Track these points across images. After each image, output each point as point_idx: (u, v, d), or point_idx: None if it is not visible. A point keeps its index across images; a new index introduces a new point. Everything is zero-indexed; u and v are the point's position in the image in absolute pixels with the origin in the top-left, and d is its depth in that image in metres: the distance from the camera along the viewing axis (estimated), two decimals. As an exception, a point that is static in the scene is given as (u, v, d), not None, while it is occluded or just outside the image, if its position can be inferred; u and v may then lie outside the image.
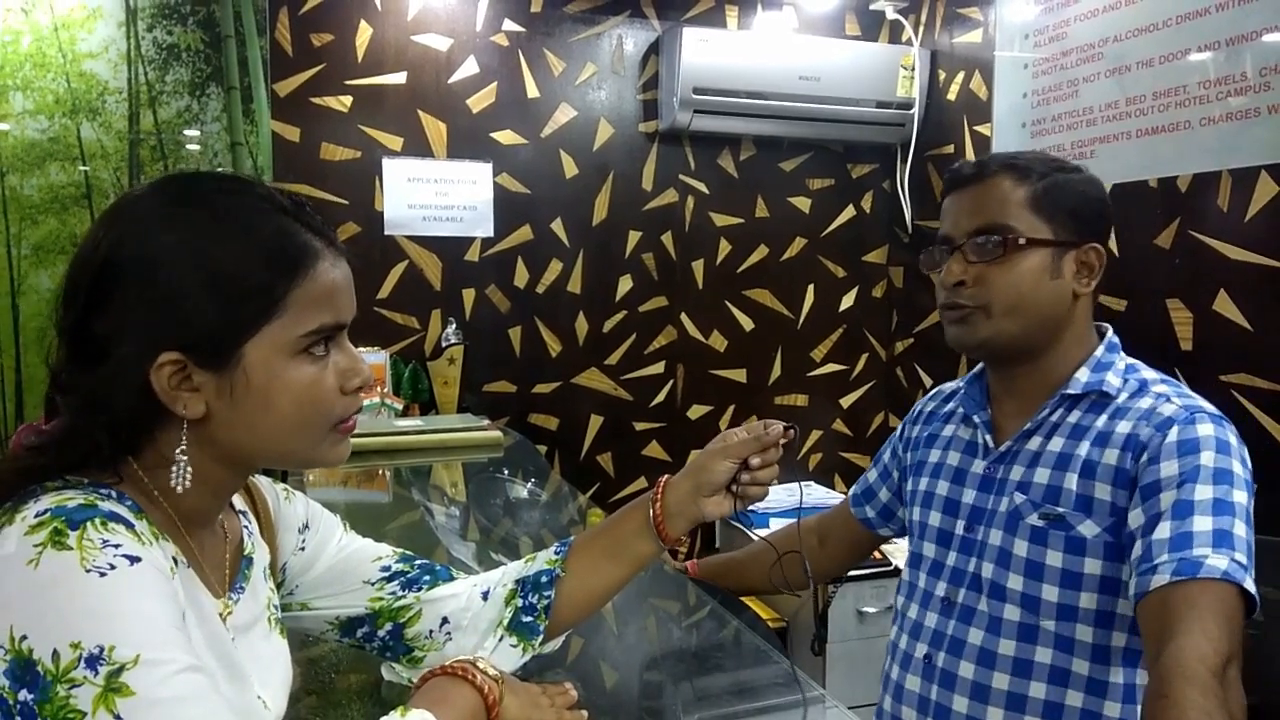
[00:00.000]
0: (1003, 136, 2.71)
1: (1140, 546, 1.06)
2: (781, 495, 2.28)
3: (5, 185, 2.42)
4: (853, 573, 2.44)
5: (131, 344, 0.72)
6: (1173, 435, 1.11)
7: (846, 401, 3.31)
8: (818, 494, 2.95)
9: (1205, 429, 1.11)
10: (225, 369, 0.74)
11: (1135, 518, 1.10)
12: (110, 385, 0.72)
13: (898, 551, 2.56)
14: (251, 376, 0.75)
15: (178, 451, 0.75)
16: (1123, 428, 1.17)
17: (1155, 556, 1.03)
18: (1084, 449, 1.19)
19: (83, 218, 2.47)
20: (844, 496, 3.07)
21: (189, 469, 0.76)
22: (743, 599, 2.48)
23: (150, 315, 0.73)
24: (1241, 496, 1.07)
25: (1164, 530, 1.04)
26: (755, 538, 1.48)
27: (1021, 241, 1.20)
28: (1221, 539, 1.01)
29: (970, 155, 2.87)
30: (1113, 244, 1.26)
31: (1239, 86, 2.02)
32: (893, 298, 3.30)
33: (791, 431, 1.05)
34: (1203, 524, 1.03)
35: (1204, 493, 1.06)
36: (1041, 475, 1.22)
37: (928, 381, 3.13)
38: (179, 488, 0.75)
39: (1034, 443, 1.25)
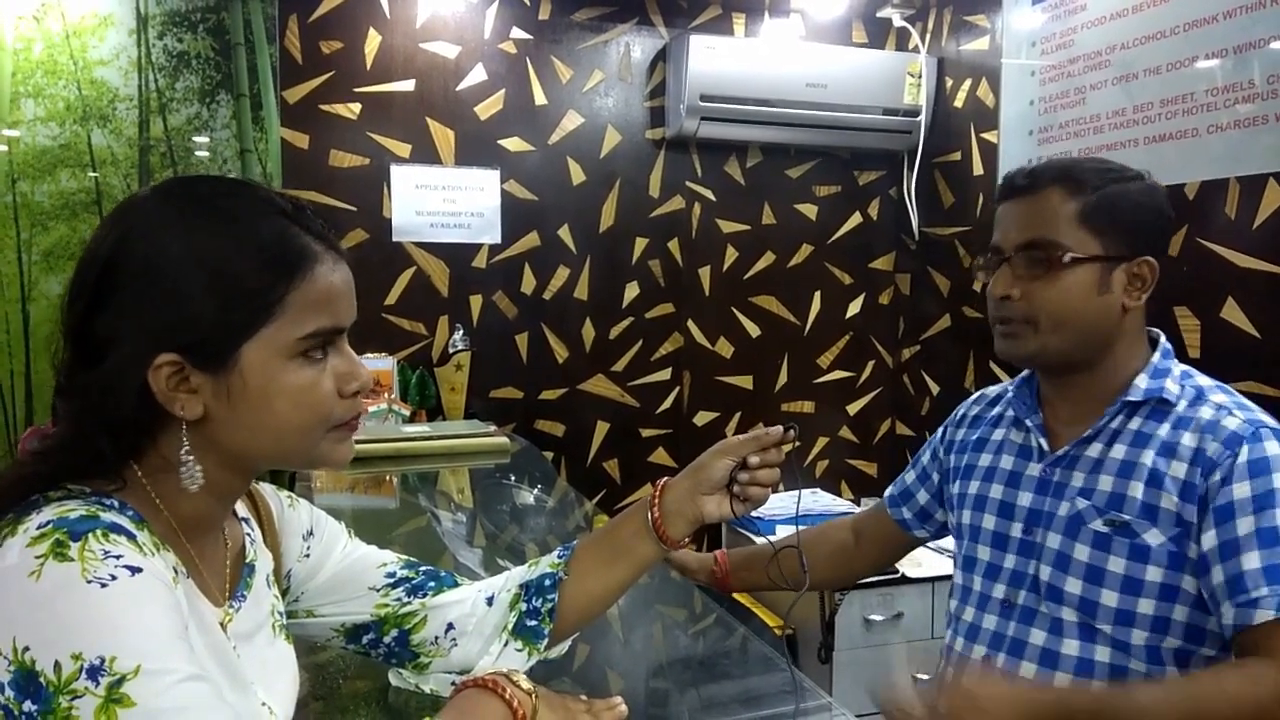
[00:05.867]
0: (1010, 144, 2.71)
1: (1224, 572, 1.10)
2: (787, 502, 2.28)
3: (16, 191, 2.44)
4: (859, 580, 2.43)
5: (130, 345, 0.73)
6: (1243, 455, 1.13)
7: (853, 408, 3.30)
8: (824, 501, 2.94)
9: (1273, 447, 1.13)
10: (223, 371, 0.74)
11: (1209, 539, 1.12)
12: (110, 386, 0.73)
13: (907, 561, 2.55)
14: (249, 379, 0.75)
15: (183, 451, 0.75)
16: (1189, 440, 1.17)
17: (1252, 588, 1.07)
18: (1149, 458, 1.19)
19: (93, 224, 2.48)
20: (850, 503, 3.07)
21: (199, 467, 0.76)
22: (750, 606, 2.47)
23: (149, 316, 0.73)
24: None
25: (1253, 560, 1.08)
26: (766, 541, 1.48)
27: (1067, 259, 1.20)
28: None
29: (978, 162, 2.87)
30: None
31: (1247, 94, 2.01)
32: (899, 304, 3.30)
33: (791, 432, 1.05)
34: None
35: None
36: (1105, 482, 1.22)
37: (934, 389, 3.12)
38: (193, 486, 0.75)
39: (1094, 449, 1.25)
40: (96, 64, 2.48)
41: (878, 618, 2.47)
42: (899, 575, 2.48)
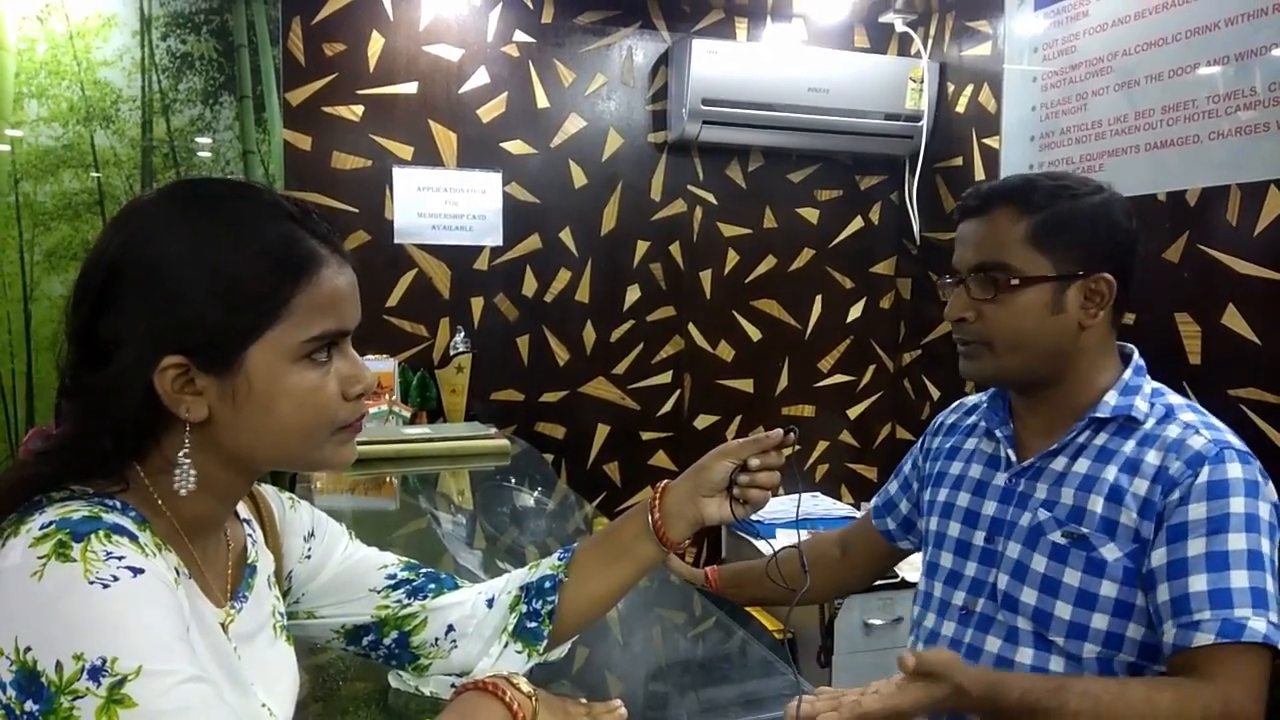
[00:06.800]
0: (1011, 149, 2.71)
1: (1170, 591, 1.10)
2: (787, 505, 2.28)
3: (19, 192, 2.44)
4: (850, 594, 2.43)
5: (136, 347, 0.73)
6: (1203, 476, 1.12)
7: (854, 412, 3.30)
8: (824, 505, 2.94)
9: (1234, 470, 1.12)
10: (228, 373, 0.74)
11: (1159, 556, 1.12)
12: (115, 388, 0.73)
13: (905, 565, 2.55)
14: (254, 381, 0.75)
15: (180, 455, 0.75)
16: (1152, 458, 1.17)
17: (1195, 610, 1.07)
18: (1111, 473, 1.19)
19: (95, 225, 2.48)
20: (850, 507, 3.07)
21: (193, 472, 0.76)
22: (750, 610, 2.47)
23: (154, 318, 0.73)
24: (1268, 545, 1.10)
25: (1200, 583, 1.08)
26: (770, 546, 1.48)
27: (1014, 282, 1.20)
28: (1259, 599, 1.06)
29: (979, 167, 2.87)
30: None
31: (1248, 101, 2.02)
32: (900, 309, 3.30)
33: (792, 435, 1.05)
34: (1239, 579, 1.07)
35: (1236, 542, 1.08)
36: (1067, 495, 1.22)
37: (935, 393, 3.13)
38: (182, 490, 0.76)
39: (1059, 462, 1.25)
40: (100, 65, 2.48)
41: (877, 622, 2.47)
42: (899, 580, 2.48)
